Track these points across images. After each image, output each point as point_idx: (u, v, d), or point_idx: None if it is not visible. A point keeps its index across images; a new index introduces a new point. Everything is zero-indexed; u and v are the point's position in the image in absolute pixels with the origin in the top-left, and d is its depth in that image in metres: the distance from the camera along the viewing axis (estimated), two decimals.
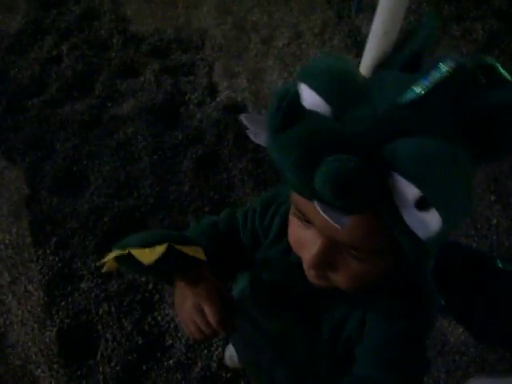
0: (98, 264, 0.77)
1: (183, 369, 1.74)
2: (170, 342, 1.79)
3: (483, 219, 2.29)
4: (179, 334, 1.80)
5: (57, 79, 2.63)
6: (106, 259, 0.77)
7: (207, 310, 0.74)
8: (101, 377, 1.72)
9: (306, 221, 0.64)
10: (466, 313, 0.99)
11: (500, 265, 0.90)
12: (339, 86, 0.56)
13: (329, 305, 0.79)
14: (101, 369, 1.74)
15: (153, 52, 2.80)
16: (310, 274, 0.69)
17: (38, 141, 2.37)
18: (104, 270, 0.78)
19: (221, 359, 1.74)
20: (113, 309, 1.86)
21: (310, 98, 0.56)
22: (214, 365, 1.74)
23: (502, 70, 0.59)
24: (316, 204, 0.51)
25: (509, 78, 0.59)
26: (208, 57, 2.80)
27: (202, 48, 2.85)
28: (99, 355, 1.77)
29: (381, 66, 0.65)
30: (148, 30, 2.92)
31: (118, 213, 2.12)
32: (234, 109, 2.53)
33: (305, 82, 0.57)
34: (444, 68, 0.54)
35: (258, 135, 0.58)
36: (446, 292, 0.92)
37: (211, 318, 0.73)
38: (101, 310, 1.86)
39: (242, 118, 0.60)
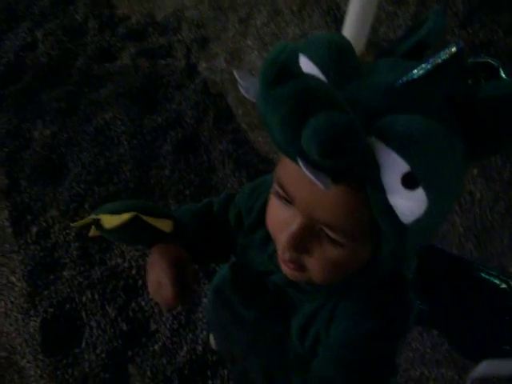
0: (72, 225, 0.79)
1: (169, 353, 1.73)
2: (155, 326, 1.78)
3: (466, 193, 2.29)
4: (163, 319, 1.79)
5: (32, 66, 2.58)
6: (80, 223, 0.78)
7: (163, 284, 0.75)
8: (86, 364, 1.71)
9: (287, 200, 0.62)
10: (448, 324, 0.98)
11: (484, 275, 0.89)
12: (337, 59, 0.55)
13: (301, 299, 0.78)
14: (86, 356, 1.72)
15: (129, 35, 2.77)
16: (285, 257, 0.66)
17: (16, 130, 2.34)
18: (90, 234, 0.79)
19: (206, 342, 1.73)
20: (96, 296, 1.84)
21: (307, 68, 0.55)
22: (200, 348, 1.73)
23: (503, 72, 0.59)
24: (300, 162, 0.50)
25: (507, 80, 0.59)
26: (185, 38, 2.77)
27: (179, 30, 2.81)
28: (84, 343, 1.75)
29: (383, 53, 0.64)
30: (124, 14, 2.88)
31: (99, 199, 2.09)
32: (214, 90, 2.51)
33: (303, 52, 0.55)
34: (446, 53, 0.53)
35: (250, 90, 0.57)
36: (430, 300, 0.90)
37: (166, 293, 0.74)
38: (84, 298, 1.84)
39: (236, 73, 0.59)
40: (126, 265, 1.91)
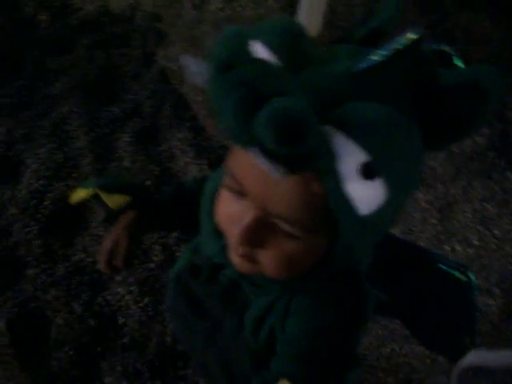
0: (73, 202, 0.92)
1: (138, 346, 1.72)
2: (123, 320, 1.76)
3: (428, 169, 2.31)
4: (131, 312, 1.77)
5: None
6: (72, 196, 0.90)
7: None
8: (55, 363, 1.68)
9: (239, 192, 0.60)
10: (408, 315, 0.97)
11: (443, 267, 0.88)
12: (291, 43, 0.53)
13: (255, 293, 0.76)
14: (54, 355, 1.70)
15: (82, 26, 2.72)
16: (238, 253, 0.64)
17: None
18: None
19: (179, 338, 1.72)
20: (61, 293, 1.81)
21: (260, 53, 0.52)
22: (169, 339, 1.72)
23: (457, 59, 0.58)
24: (254, 150, 0.48)
25: (462, 66, 0.58)
26: (140, 27, 2.73)
27: (133, 18, 2.77)
28: (51, 341, 1.72)
29: (338, 40, 0.62)
30: (75, 4, 2.83)
31: (59, 195, 2.06)
32: (171, 78, 2.47)
33: (256, 37, 0.53)
34: (404, 39, 0.51)
35: (199, 75, 0.55)
36: (390, 290, 0.90)
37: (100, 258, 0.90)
38: (49, 296, 1.81)
39: (181, 59, 0.57)
40: (89, 259, 1.89)
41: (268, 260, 0.62)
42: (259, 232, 0.59)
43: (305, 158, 0.47)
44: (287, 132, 0.44)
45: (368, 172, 0.48)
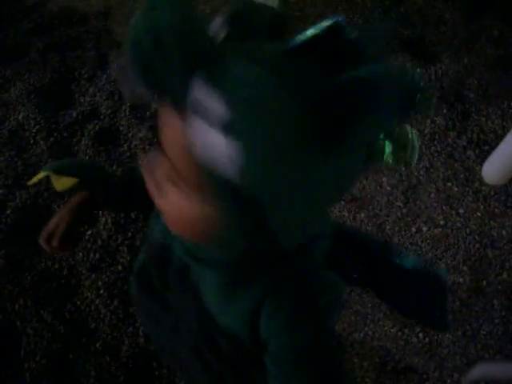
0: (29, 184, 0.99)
1: (111, 350, 1.70)
2: (94, 325, 1.75)
3: None
4: (101, 316, 1.75)
5: None
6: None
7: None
8: (27, 373, 1.66)
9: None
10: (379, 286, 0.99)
11: (398, 261, 0.89)
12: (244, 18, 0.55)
13: (201, 272, 0.76)
14: (26, 366, 1.67)
15: (35, 30, 2.67)
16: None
17: None
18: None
19: (148, 334, 1.71)
20: (29, 302, 1.79)
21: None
22: (142, 340, 1.71)
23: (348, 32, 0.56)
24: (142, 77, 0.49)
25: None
26: (93, 28, 2.69)
27: (86, 20, 2.73)
28: (23, 352, 1.70)
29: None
30: (26, 8, 2.77)
31: (21, 203, 2.03)
32: None
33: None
34: (319, 27, 0.51)
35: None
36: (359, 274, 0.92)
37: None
38: (17, 306, 1.78)
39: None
40: (56, 266, 1.86)
41: (165, 212, 0.64)
42: (163, 183, 0.61)
43: (170, 93, 0.49)
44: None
45: (227, 128, 0.46)
